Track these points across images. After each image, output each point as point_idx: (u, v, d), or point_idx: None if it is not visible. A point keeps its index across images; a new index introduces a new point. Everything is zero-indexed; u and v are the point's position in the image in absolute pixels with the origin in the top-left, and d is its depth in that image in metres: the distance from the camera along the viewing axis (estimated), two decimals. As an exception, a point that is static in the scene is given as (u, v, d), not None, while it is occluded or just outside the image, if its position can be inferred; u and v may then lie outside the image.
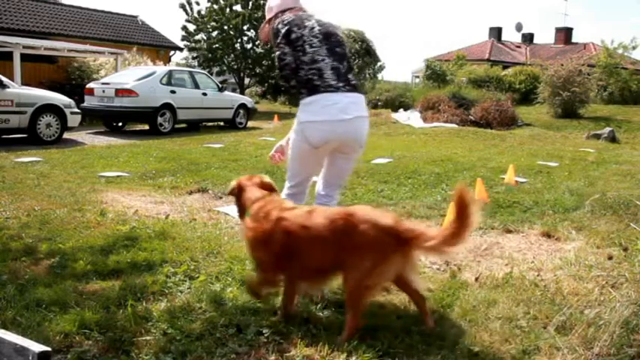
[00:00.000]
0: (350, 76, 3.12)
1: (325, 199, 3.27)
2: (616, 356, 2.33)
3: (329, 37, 3.10)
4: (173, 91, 12.95)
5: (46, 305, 2.73)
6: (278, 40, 3.09)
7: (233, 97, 15.37)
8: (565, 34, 34.39)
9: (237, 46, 23.98)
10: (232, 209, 5.10)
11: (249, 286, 2.82)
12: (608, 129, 14.43)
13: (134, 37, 20.95)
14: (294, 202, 3.05)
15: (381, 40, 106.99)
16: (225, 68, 24.65)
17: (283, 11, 3.20)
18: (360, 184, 6.45)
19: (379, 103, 20.12)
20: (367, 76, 27.94)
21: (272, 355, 2.39)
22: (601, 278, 3.11)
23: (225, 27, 23.20)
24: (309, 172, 3.31)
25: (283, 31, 3.06)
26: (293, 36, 3.04)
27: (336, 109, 3.01)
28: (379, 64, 31.20)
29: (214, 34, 23.74)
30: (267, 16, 3.30)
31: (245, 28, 23.64)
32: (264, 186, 2.95)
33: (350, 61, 3.20)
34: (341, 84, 3.05)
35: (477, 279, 3.40)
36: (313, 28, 3.08)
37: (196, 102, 13.66)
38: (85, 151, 9.00)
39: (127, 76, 13.08)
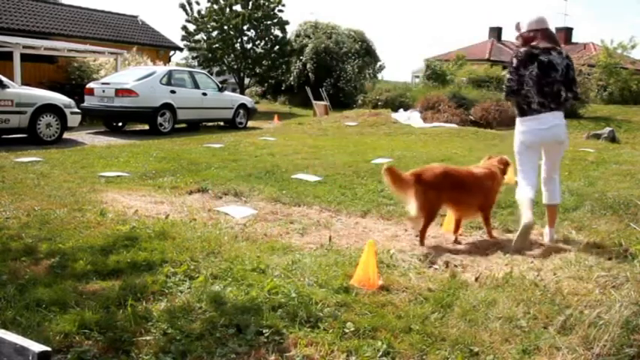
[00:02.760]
0: (552, 104, 4.23)
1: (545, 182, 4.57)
2: (616, 356, 2.33)
3: (541, 78, 4.18)
4: (173, 91, 12.94)
5: (46, 305, 2.73)
6: (511, 67, 4.32)
7: (233, 97, 15.37)
8: (565, 34, 34.34)
9: (237, 46, 23.98)
10: (232, 209, 5.12)
11: None
12: (608, 129, 14.42)
13: (134, 37, 20.94)
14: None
15: (381, 40, 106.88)
16: (225, 68, 24.64)
17: (529, 35, 4.29)
18: (360, 184, 6.45)
19: (379, 103, 20.13)
20: (367, 76, 27.95)
21: (272, 355, 2.39)
22: (601, 278, 3.11)
23: (225, 27, 23.20)
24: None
25: (515, 63, 4.26)
26: (520, 72, 4.23)
27: (536, 123, 4.27)
28: (379, 64, 31.26)
29: (214, 34, 23.74)
30: (518, 32, 4.42)
31: (245, 28, 23.64)
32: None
33: (559, 89, 4.21)
34: (543, 108, 4.22)
35: (477, 279, 3.40)
36: (532, 71, 4.18)
37: (196, 102, 13.65)
38: (85, 151, 8.99)
39: (127, 76, 13.07)
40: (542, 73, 4.16)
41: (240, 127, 15.01)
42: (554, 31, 4.65)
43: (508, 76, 4.36)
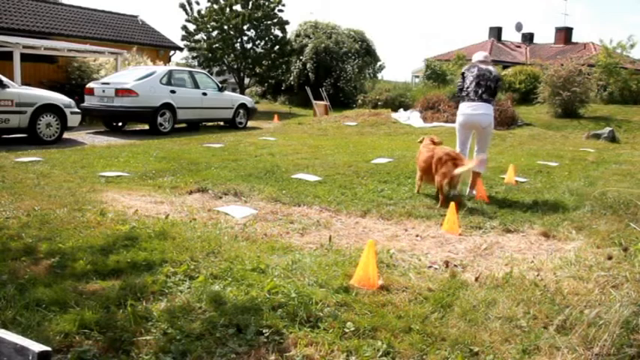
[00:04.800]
0: (484, 95, 6.01)
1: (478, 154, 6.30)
2: (616, 356, 2.33)
3: (479, 77, 6.05)
4: (173, 91, 12.94)
5: (46, 305, 2.73)
6: (461, 74, 6.32)
7: (233, 97, 15.36)
8: (565, 34, 34.32)
9: (237, 46, 23.96)
10: (232, 209, 5.12)
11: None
12: (608, 129, 14.41)
13: (134, 37, 20.93)
14: None
15: (381, 40, 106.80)
16: (225, 68, 24.62)
17: (478, 62, 6.28)
18: (360, 184, 6.45)
19: (379, 103, 20.12)
20: (367, 75, 27.95)
21: (272, 355, 2.39)
22: (601, 278, 3.11)
23: (225, 27, 23.18)
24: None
25: (463, 70, 6.37)
26: (465, 74, 6.21)
27: (470, 108, 6.05)
28: (379, 63, 31.27)
29: (214, 33, 23.71)
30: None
31: (245, 27, 23.62)
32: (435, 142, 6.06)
33: (489, 85, 6.02)
34: (476, 98, 6.01)
35: (476, 279, 3.40)
36: (474, 73, 6.09)
37: (196, 102, 13.65)
38: (85, 151, 8.99)
39: (127, 76, 13.06)
40: (479, 74, 6.04)
41: (240, 127, 15.00)
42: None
43: (458, 79, 6.35)
